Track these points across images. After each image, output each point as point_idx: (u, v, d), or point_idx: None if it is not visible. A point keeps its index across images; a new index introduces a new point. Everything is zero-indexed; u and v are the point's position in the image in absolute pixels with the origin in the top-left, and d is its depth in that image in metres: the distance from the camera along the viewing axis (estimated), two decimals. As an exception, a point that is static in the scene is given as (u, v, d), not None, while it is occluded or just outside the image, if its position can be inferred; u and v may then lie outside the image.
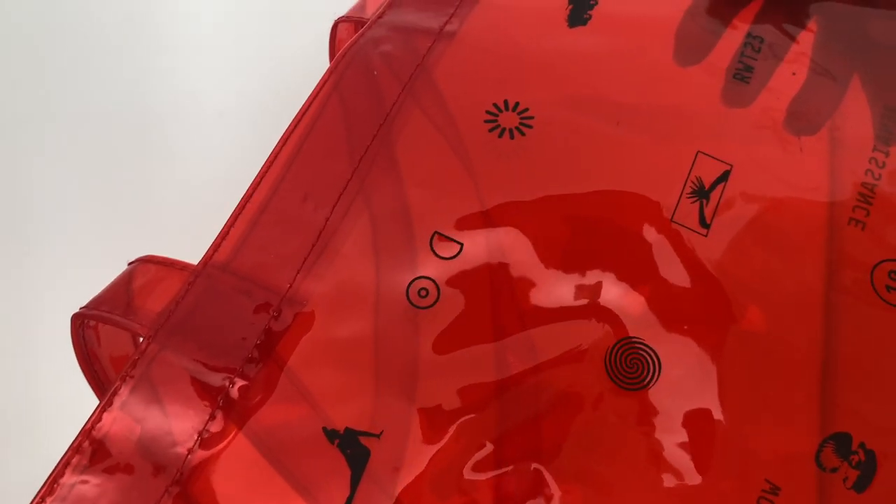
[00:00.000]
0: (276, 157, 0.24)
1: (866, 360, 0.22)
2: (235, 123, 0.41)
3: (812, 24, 0.27)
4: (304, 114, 0.25)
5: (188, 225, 0.35)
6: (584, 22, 0.27)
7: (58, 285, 0.37)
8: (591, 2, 0.27)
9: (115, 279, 0.23)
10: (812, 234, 0.24)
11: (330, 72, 0.26)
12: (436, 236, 0.23)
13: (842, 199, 0.24)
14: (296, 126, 0.25)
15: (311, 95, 0.25)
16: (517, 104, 0.25)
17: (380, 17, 0.27)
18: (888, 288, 0.23)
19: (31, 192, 0.39)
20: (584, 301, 0.23)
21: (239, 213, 0.23)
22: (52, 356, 0.34)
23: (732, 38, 0.27)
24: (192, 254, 0.23)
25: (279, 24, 0.41)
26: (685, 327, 0.23)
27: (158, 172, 0.39)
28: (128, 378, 0.21)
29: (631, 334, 0.23)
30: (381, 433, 0.21)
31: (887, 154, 0.25)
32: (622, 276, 0.23)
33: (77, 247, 0.38)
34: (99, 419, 0.20)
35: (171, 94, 0.42)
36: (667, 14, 0.27)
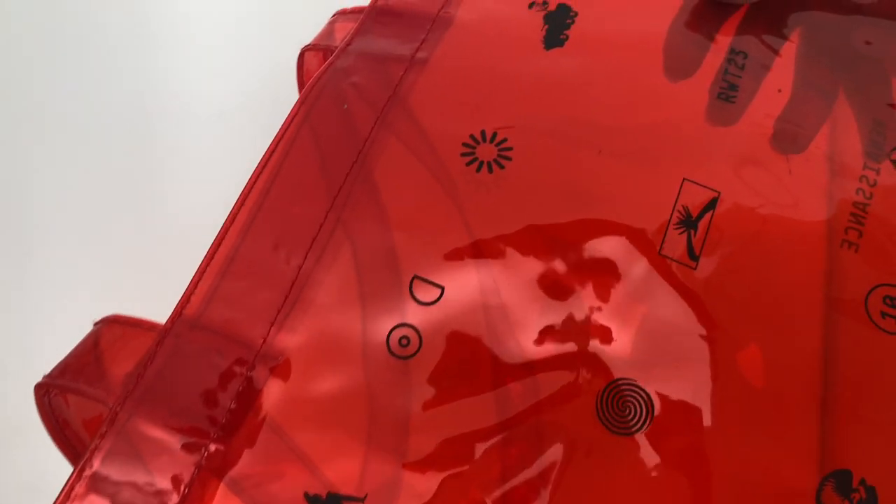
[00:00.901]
0: (242, 202, 0.23)
1: (865, 392, 0.22)
2: (235, 123, 0.39)
3: (794, 35, 0.26)
4: (271, 153, 0.24)
5: (188, 225, 0.34)
6: (560, 43, 0.26)
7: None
8: (568, 21, 0.26)
9: (81, 342, 0.22)
10: (805, 262, 0.23)
11: (299, 104, 0.25)
12: (415, 280, 0.22)
13: (833, 221, 0.23)
14: (264, 166, 0.24)
15: (279, 131, 0.24)
16: (494, 134, 0.24)
17: (348, 44, 0.26)
18: (883, 314, 0.22)
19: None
20: (572, 346, 0.22)
21: (206, 267, 0.22)
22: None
23: (715, 54, 0.26)
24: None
25: (279, 23, 0.39)
26: (677, 365, 0.22)
27: (158, 173, 0.38)
28: (97, 450, 0.20)
29: (621, 376, 0.22)
30: (366, 497, 0.20)
31: (878, 171, 0.24)
32: (612, 314, 0.22)
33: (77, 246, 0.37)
34: (68, 497, 0.19)
35: (170, 95, 0.40)
36: (647, 30, 0.26)
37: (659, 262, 0.23)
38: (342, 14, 0.27)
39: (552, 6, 0.26)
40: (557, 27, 0.26)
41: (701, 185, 0.23)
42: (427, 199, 0.23)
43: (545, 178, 0.23)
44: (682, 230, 0.23)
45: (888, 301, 0.23)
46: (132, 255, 0.38)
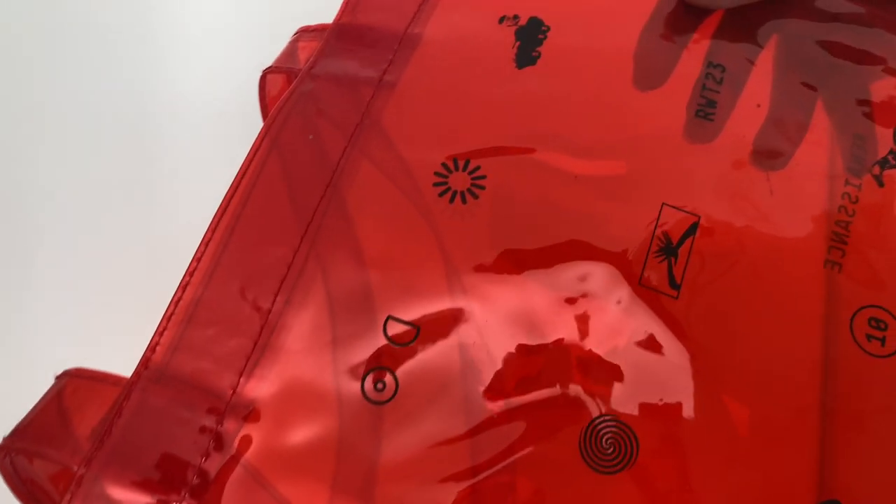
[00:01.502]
0: (207, 242, 0.22)
1: (860, 422, 0.21)
2: (234, 123, 0.38)
3: (771, 43, 0.26)
4: (236, 187, 0.23)
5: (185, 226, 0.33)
6: (533, 61, 0.25)
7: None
8: (540, 36, 0.25)
9: (42, 398, 0.21)
10: (791, 286, 0.22)
11: (264, 133, 0.24)
12: (389, 321, 0.22)
13: (817, 240, 0.23)
14: (228, 202, 0.23)
15: (244, 163, 0.23)
16: (467, 162, 0.23)
17: (312, 67, 0.25)
18: (869, 337, 0.22)
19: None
20: (553, 386, 0.21)
21: (171, 314, 0.21)
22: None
23: (692, 66, 0.25)
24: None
25: (279, 23, 0.38)
26: (661, 400, 0.21)
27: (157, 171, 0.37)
28: None
29: (604, 413, 0.21)
30: None
31: (859, 187, 0.24)
32: (593, 349, 0.22)
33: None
34: None
35: (169, 94, 0.39)
36: (622, 44, 0.25)
37: (640, 292, 0.22)
38: (305, 32, 0.26)
39: (523, 20, 0.25)
40: (529, 43, 0.25)
41: (680, 210, 0.23)
42: (402, 230, 0.23)
43: (520, 208, 0.23)
44: (662, 258, 0.22)
45: (873, 323, 0.22)
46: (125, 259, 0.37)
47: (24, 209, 0.39)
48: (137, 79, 0.41)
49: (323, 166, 0.23)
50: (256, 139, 0.24)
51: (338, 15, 0.26)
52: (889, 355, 0.22)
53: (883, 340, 0.22)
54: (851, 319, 0.22)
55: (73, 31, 0.42)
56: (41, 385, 0.22)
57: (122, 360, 0.22)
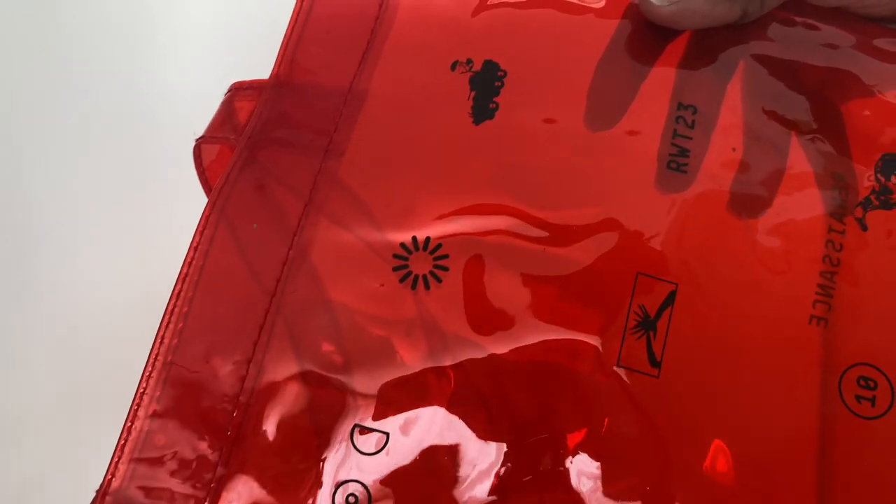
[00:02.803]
0: (150, 371, 0.20)
1: (855, 491, 0.21)
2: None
3: (738, 72, 0.24)
4: (184, 277, 0.21)
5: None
6: (490, 115, 0.23)
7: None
8: (496, 84, 0.23)
9: None
10: (777, 351, 0.21)
11: (209, 208, 0.22)
12: (356, 430, 0.20)
13: (802, 295, 0.22)
14: (174, 306, 0.21)
15: (191, 245, 0.21)
16: (427, 240, 0.22)
17: (250, 136, 0.23)
18: (858, 398, 0.21)
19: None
20: (532, 488, 0.20)
21: (122, 446, 0.19)
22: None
23: (659, 107, 0.23)
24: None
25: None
26: (648, 488, 0.20)
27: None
28: None
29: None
30: None
31: (843, 233, 0.22)
32: (571, 440, 0.21)
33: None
34: None
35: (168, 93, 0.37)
36: (585, 83, 0.23)
37: (617, 375, 0.21)
38: (239, 90, 0.24)
39: (477, 65, 0.23)
40: (486, 93, 0.23)
41: (656, 278, 0.21)
42: (367, 324, 0.21)
43: (485, 292, 0.21)
44: (640, 333, 0.21)
45: (862, 382, 0.21)
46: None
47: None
48: (137, 78, 0.39)
49: (281, 233, 0.22)
50: (203, 215, 0.22)
51: (274, 70, 0.23)
52: (881, 415, 0.21)
53: (873, 401, 0.21)
54: (840, 381, 0.21)
55: (73, 30, 0.40)
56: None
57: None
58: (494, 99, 0.23)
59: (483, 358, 0.21)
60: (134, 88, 0.39)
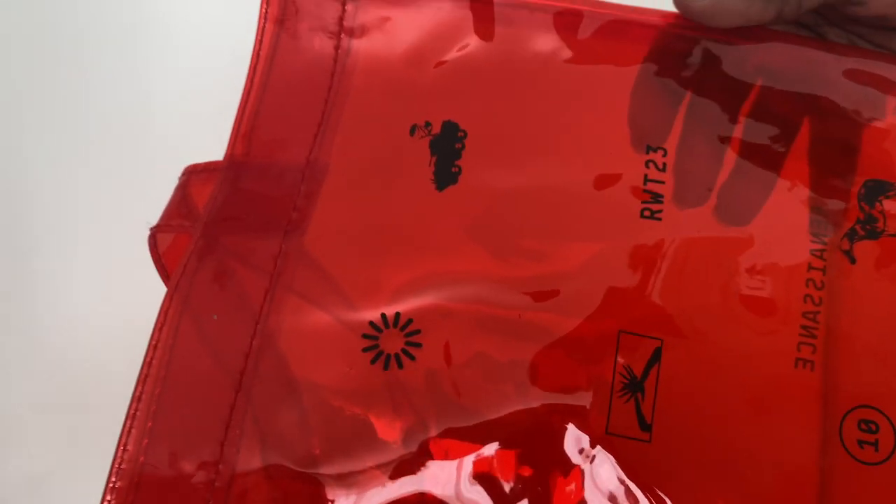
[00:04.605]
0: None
1: None
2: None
3: (707, 106, 0.23)
4: (146, 376, 0.20)
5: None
6: (453, 179, 0.22)
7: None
8: (458, 146, 0.22)
9: None
10: (770, 400, 0.20)
11: (168, 299, 0.21)
12: None
13: (784, 339, 0.21)
14: (137, 402, 0.20)
15: (152, 336, 0.20)
16: (397, 315, 0.21)
17: (207, 224, 0.22)
18: (861, 443, 0.20)
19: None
20: None
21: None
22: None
23: (626, 153, 0.22)
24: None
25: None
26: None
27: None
28: None
29: None
30: None
31: (824, 270, 0.21)
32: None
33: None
34: None
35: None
36: (545, 140, 0.23)
37: (608, 442, 0.20)
38: (193, 173, 0.23)
39: (436, 127, 0.23)
40: (447, 156, 0.22)
41: (640, 335, 0.20)
42: (339, 411, 0.20)
43: (462, 366, 0.20)
44: (627, 396, 0.20)
45: (863, 426, 0.20)
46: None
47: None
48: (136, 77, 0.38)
49: (244, 322, 0.21)
50: (161, 310, 0.21)
51: (228, 150, 0.23)
52: (884, 460, 0.20)
53: (876, 445, 0.20)
54: (840, 426, 0.20)
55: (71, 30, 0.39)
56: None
57: None
58: (456, 162, 0.22)
59: (467, 427, 0.20)
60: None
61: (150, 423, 0.20)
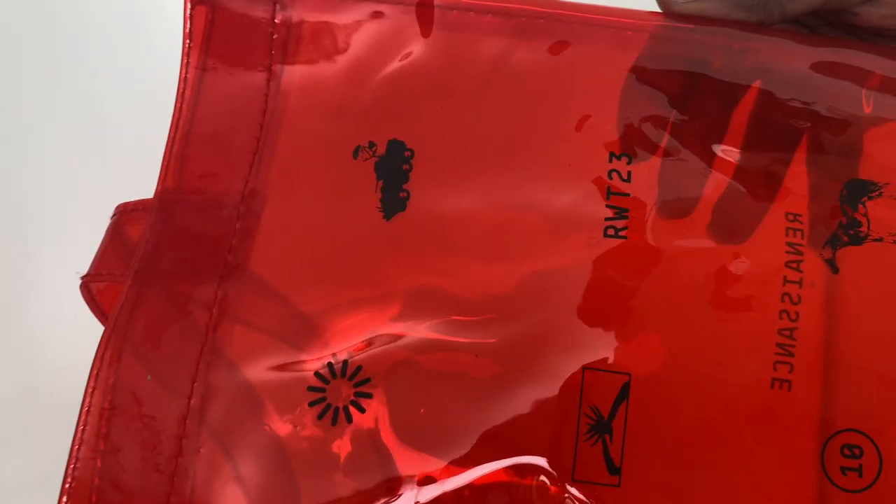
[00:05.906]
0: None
1: None
2: None
3: (674, 106, 0.21)
4: (86, 418, 0.19)
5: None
6: (402, 205, 0.20)
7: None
8: (405, 167, 0.21)
9: None
10: (746, 426, 0.19)
11: (105, 342, 0.20)
12: None
13: (759, 359, 0.19)
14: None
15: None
16: (345, 364, 0.19)
17: (137, 271, 0.20)
18: (844, 470, 0.19)
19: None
20: None
21: None
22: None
23: (587, 163, 0.21)
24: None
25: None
26: None
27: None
28: None
29: None
30: None
31: (800, 283, 0.20)
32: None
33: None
34: None
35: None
36: (499, 157, 0.21)
37: (568, 493, 0.19)
38: (124, 212, 0.21)
39: (381, 148, 0.21)
40: (394, 179, 0.21)
41: (606, 371, 0.19)
42: (289, 471, 0.19)
43: (415, 414, 0.19)
44: (594, 439, 0.19)
45: (846, 451, 0.19)
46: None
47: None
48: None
49: (179, 381, 0.20)
50: (98, 349, 0.20)
51: (158, 187, 0.21)
52: (868, 487, 0.19)
53: (860, 470, 0.19)
54: (822, 453, 0.19)
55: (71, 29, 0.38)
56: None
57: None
58: (404, 186, 0.21)
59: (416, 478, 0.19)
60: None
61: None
